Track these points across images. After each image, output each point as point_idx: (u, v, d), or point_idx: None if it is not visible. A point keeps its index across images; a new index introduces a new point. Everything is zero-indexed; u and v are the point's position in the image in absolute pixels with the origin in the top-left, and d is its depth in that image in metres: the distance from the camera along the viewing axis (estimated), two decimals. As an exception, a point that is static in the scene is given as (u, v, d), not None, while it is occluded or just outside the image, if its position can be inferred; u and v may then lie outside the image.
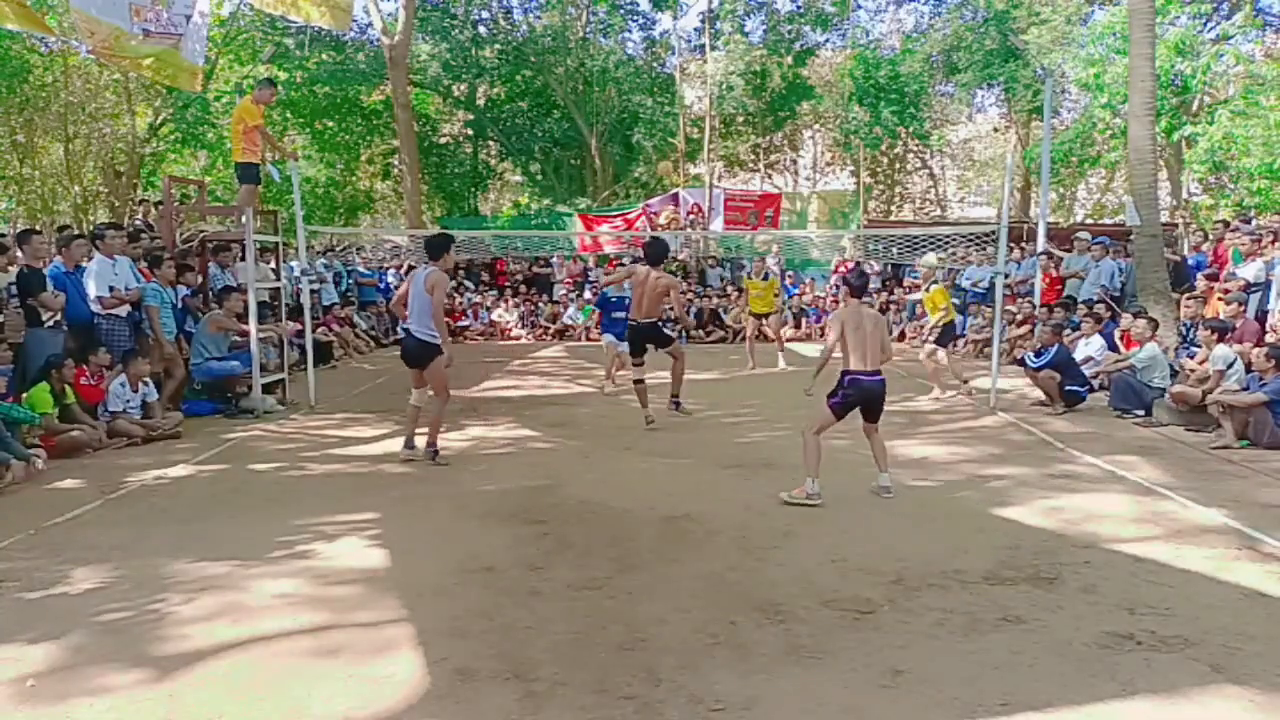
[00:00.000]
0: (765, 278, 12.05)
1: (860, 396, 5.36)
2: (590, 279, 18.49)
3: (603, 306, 11.37)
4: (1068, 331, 10.23)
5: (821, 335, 16.30)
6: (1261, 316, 8.75)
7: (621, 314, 11.12)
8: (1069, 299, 11.37)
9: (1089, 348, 9.47)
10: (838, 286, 17.68)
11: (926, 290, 10.22)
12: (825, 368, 5.57)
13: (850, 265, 17.92)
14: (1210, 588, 3.97)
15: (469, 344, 15.78)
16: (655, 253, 7.84)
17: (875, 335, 5.33)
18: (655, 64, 24.49)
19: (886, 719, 2.89)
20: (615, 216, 20.28)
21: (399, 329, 7.83)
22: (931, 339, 9.83)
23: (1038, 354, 8.87)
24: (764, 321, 12.24)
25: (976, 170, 30.07)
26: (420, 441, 6.56)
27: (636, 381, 7.85)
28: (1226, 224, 11.64)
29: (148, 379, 7.71)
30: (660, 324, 8.07)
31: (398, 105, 20.37)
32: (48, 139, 18.46)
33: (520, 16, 23.94)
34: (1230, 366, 7.38)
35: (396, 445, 7.22)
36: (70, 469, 6.38)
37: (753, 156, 25.31)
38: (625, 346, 9.19)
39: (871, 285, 17.23)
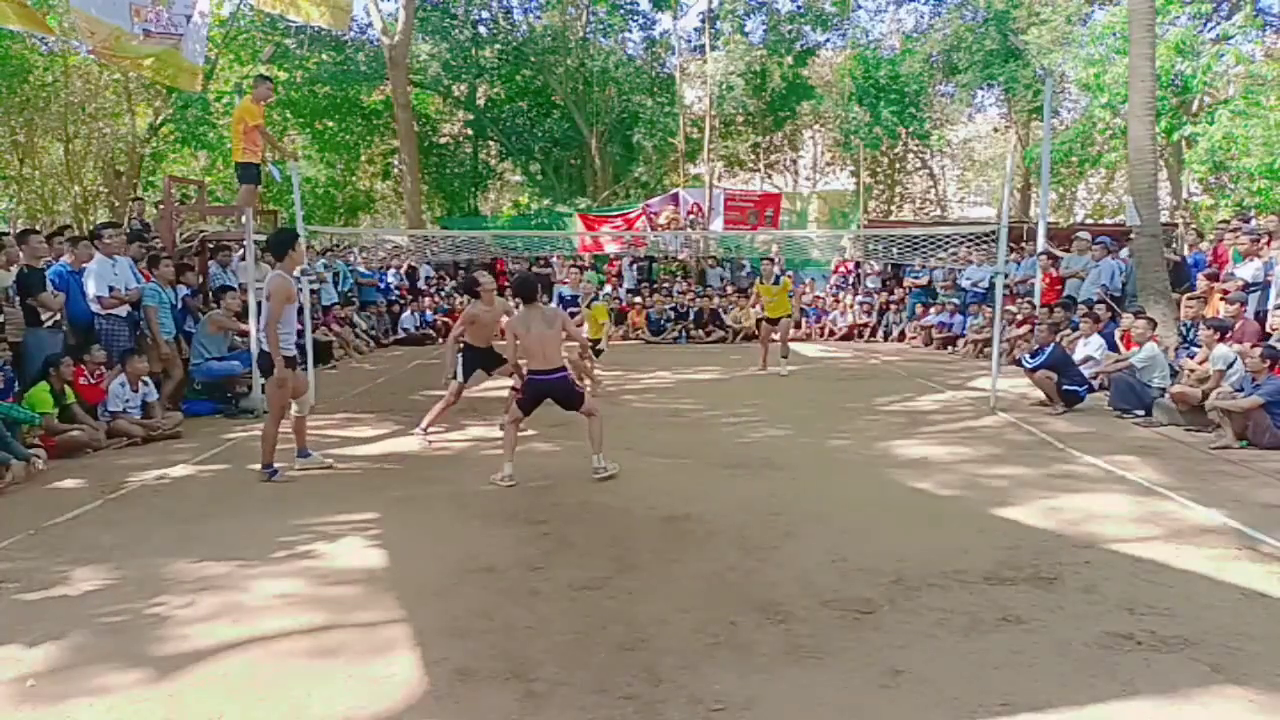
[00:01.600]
0: (776, 281, 11.95)
1: (535, 392, 5.91)
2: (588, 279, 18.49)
3: (561, 304, 12.06)
4: (1067, 332, 10.24)
5: (822, 336, 16.35)
6: (1261, 316, 8.74)
7: (575, 310, 11.43)
8: (1069, 299, 11.37)
9: (1088, 347, 9.47)
10: (838, 287, 17.71)
11: (588, 307, 11.39)
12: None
13: (849, 266, 17.97)
14: (1210, 588, 3.97)
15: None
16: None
17: (550, 336, 5.83)
18: (655, 64, 24.50)
19: (886, 719, 2.89)
20: (615, 216, 20.28)
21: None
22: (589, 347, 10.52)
23: (1034, 354, 8.87)
24: (776, 326, 12.13)
25: (976, 170, 30.06)
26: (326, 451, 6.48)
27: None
28: (1228, 223, 11.63)
29: (147, 379, 7.71)
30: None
31: (398, 105, 20.38)
32: (48, 139, 18.47)
33: (520, 16, 23.96)
34: (1230, 366, 7.38)
35: (396, 445, 7.25)
36: (70, 469, 6.38)
37: (753, 156, 25.29)
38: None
39: (871, 285, 17.28)
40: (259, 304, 8.89)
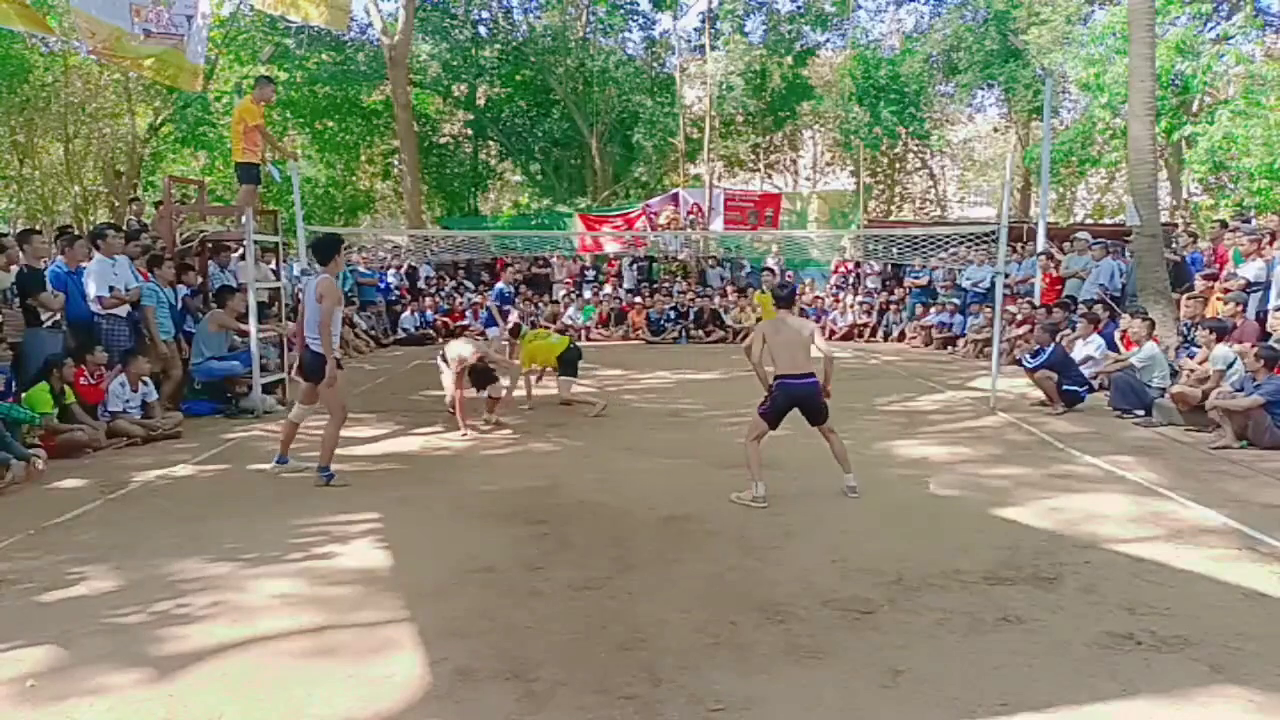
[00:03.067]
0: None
1: (786, 398, 5.50)
2: (589, 279, 18.51)
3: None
4: (1067, 332, 10.23)
5: (822, 335, 16.33)
6: (1262, 316, 8.74)
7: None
8: (1068, 299, 11.37)
9: (1087, 348, 9.46)
10: (838, 287, 17.70)
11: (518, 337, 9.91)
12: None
13: (849, 266, 17.97)
14: (1210, 588, 3.97)
15: (469, 344, 15.77)
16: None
17: (800, 341, 5.55)
18: (655, 64, 24.51)
19: (886, 719, 2.89)
20: (615, 216, 20.29)
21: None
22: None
23: (1034, 355, 8.88)
24: None
25: (976, 170, 30.06)
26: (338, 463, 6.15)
27: None
28: (1224, 224, 11.62)
29: (147, 379, 7.71)
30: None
31: (398, 105, 20.39)
32: (48, 139, 18.46)
33: (520, 16, 23.98)
34: (1230, 366, 7.38)
35: (396, 445, 7.25)
36: (70, 469, 6.38)
37: (753, 156, 25.30)
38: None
39: (871, 285, 17.28)
40: (259, 304, 8.93)
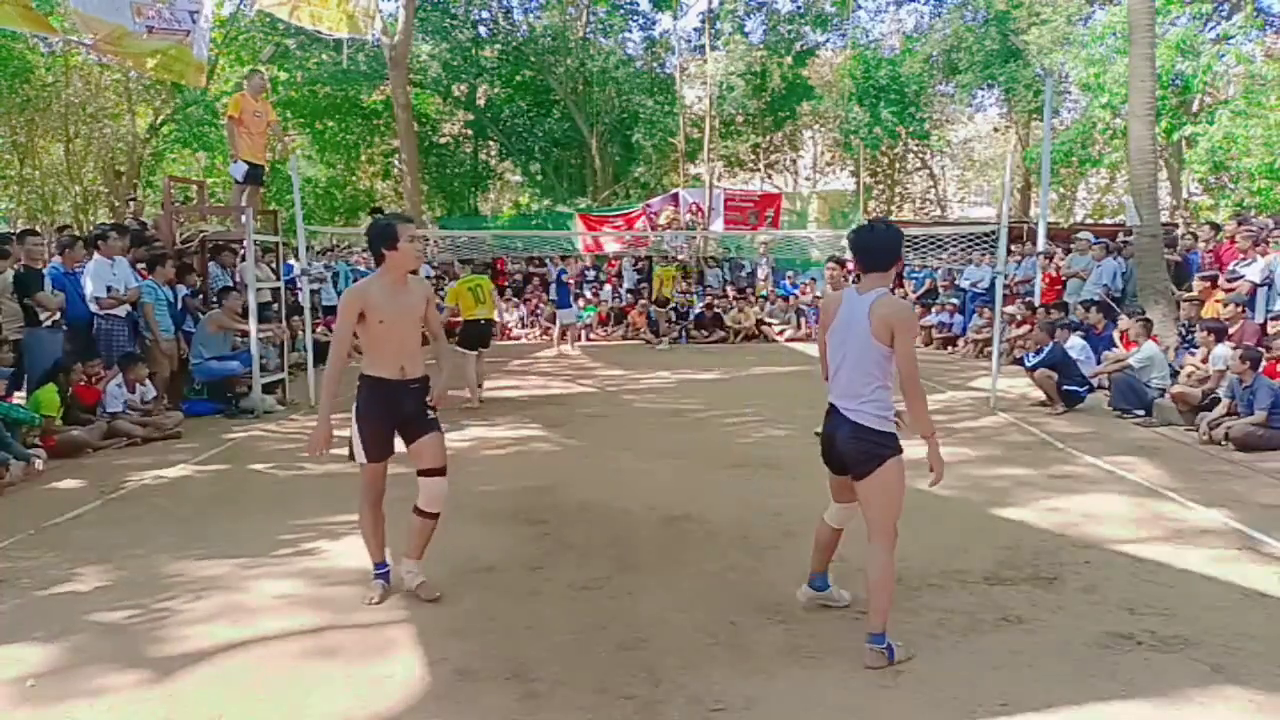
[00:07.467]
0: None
1: None
2: (589, 279, 18.50)
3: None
4: (1065, 332, 10.21)
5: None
6: (1263, 321, 8.70)
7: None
8: (1061, 303, 11.33)
9: (1072, 350, 9.42)
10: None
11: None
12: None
13: (850, 266, 17.96)
14: (1210, 588, 3.97)
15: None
16: None
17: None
18: (655, 64, 24.52)
19: (886, 719, 2.89)
20: (616, 216, 20.30)
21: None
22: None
23: (1034, 354, 8.88)
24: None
25: (976, 170, 30.08)
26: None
27: None
28: (1214, 226, 11.57)
29: (145, 380, 7.72)
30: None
31: (398, 105, 20.38)
32: (48, 139, 18.49)
33: (520, 16, 24.00)
34: (1230, 367, 7.37)
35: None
36: (70, 469, 6.38)
37: (753, 156, 25.31)
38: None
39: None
40: (260, 304, 8.89)
